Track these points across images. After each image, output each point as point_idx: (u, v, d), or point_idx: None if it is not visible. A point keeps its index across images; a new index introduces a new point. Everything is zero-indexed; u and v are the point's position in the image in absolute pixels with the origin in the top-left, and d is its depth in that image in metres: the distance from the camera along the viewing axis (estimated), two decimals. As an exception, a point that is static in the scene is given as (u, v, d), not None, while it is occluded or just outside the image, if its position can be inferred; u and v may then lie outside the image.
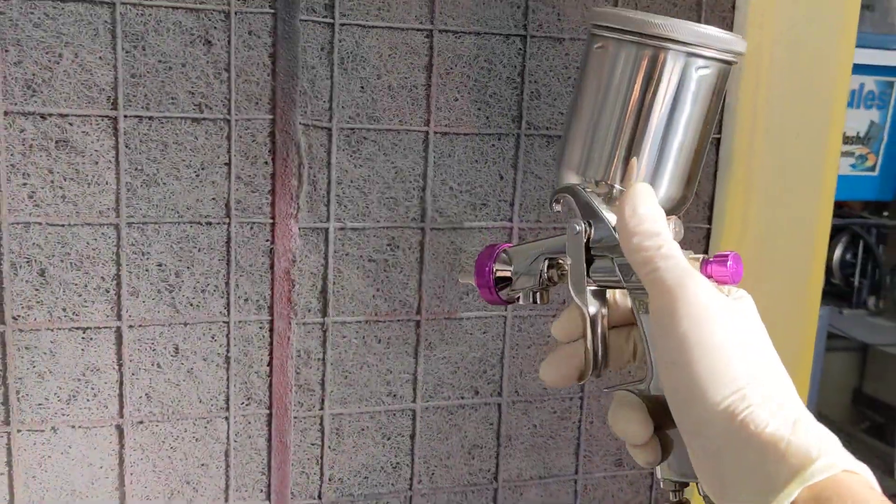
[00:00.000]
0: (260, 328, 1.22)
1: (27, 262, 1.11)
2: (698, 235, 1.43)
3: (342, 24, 1.17)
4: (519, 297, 0.69)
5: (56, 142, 1.10)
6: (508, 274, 0.69)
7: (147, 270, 1.16)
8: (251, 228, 1.19)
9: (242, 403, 1.24)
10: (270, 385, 1.24)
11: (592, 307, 0.62)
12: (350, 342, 1.27)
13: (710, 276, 0.55)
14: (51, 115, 1.08)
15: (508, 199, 1.30)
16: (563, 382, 0.64)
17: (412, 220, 1.26)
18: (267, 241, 1.20)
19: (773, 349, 0.53)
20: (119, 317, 1.16)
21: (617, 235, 0.57)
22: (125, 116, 1.11)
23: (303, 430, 1.28)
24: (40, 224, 1.11)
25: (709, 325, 0.50)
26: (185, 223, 1.16)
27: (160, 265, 1.16)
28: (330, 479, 1.30)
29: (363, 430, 1.31)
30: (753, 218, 1.44)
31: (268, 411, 1.25)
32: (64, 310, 1.14)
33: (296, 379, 1.25)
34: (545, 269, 0.65)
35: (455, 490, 1.37)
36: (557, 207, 0.63)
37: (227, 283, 1.19)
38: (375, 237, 1.25)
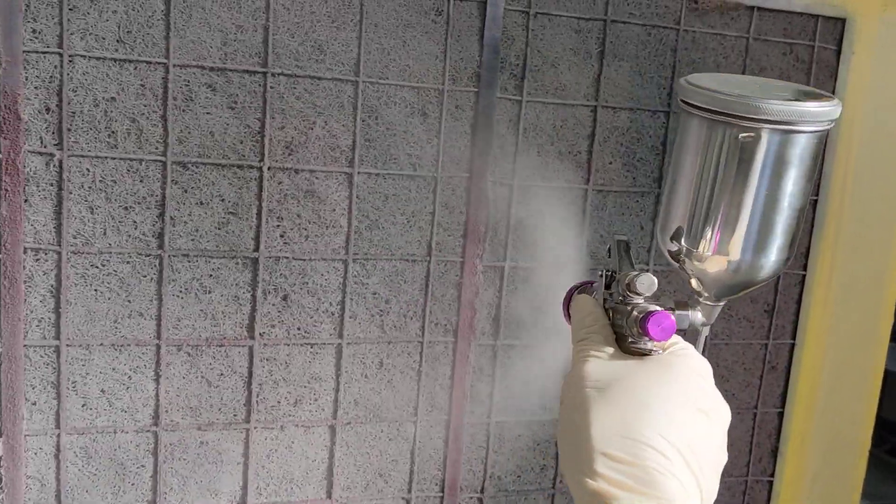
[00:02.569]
0: (445, 348, 1.47)
1: (274, 289, 1.36)
2: (794, 280, 1.68)
3: (528, 101, 1.43)
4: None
5: (305, 192, 1.35)
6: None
7: (364, 298, 1.41)
8: (445, 265, 1.44)
9: (427, 410, 1.48)
10: (450, 395, 1.49)
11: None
12: (514, 362, 1.52)
13: (641, 332, 0.56)
14: (303, 170, 1.34)
15: (647, 247, 1.56)
16: None
17: (569, 262, 1.51)
18: (457, 276, 1.45)
19: (665, 407, 0.53)
20: (340, 335, 1.40)
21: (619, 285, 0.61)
22: (358, 173, 1.36)
23: (472, 435, 1.52)
24: (287, 258, 1.35)
25: (595, 391, 0.54)
26: (396, 260, 1.41)
27: (375, 294, 1.41)
28: (490, 477, 1.55)
29: (519, 436, 1.55)
30: (839, 267, 1.70)
31: (446, 417, 1.49)
32: (299, 328, 1.38)
33: (470, 391, 1.50)
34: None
35: (589, 490, 1.61)
36: (610, 256, 0.65)
37: (423, 310, 1.44)
38: (539, 275, 1.50)
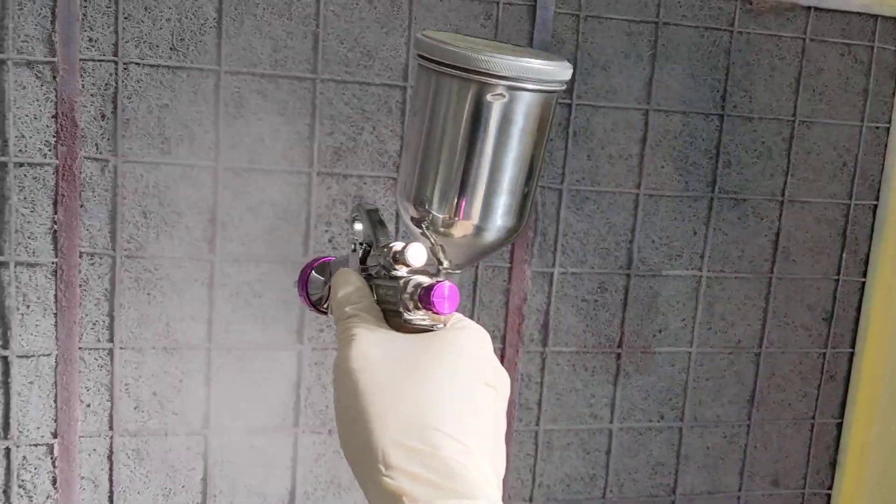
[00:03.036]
0: (493, 354, 1.46)
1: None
2: (853, 287, 1.63)
3: (578, 105, 1.42)
4: (328, 309, 0.65)
5: (353, 197, 1.35)
6: (320, 284, 0.67)
7: (412, 303, 1.40)
8: (493, 271, 1.43)
9: (475, 417, 1.47)
10: (498, 402, 1.47)
11: None
12: (563, 369, 1.50)
13: (422, 307, 0.52)
14: (351, 175, 1.34)
15: (700, 252, 1.52)
16: None
17: (619, 268, 1.49)
18: (504, 281, 1.44)
19: (451, 385, 0.49)
20: (388, 341, 1.40)
21: (379, 259, 0.57)
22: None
23: (521, 443, 1.51)
24: (335, 263, 1.36)
25: (365, 373, 0.49)
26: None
27: (422, 299, 1.41)
28: (539, 485, 1.53)
29: (569, 444, 1.53)
30: (902, 273, 1.64)
31: (494, 425, 1.48)
32: (346, 333, 1.38)
33: (518, 398, 1.48)
34: None
35: (639, 501, 1.58)
36: (357, 226, 0.60)
37: (471, 315, 1.43)
38: (589, 281, 1.48)
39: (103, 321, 1.29)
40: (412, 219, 0.57)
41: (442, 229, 0.56)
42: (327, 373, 1.39)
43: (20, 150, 1.22)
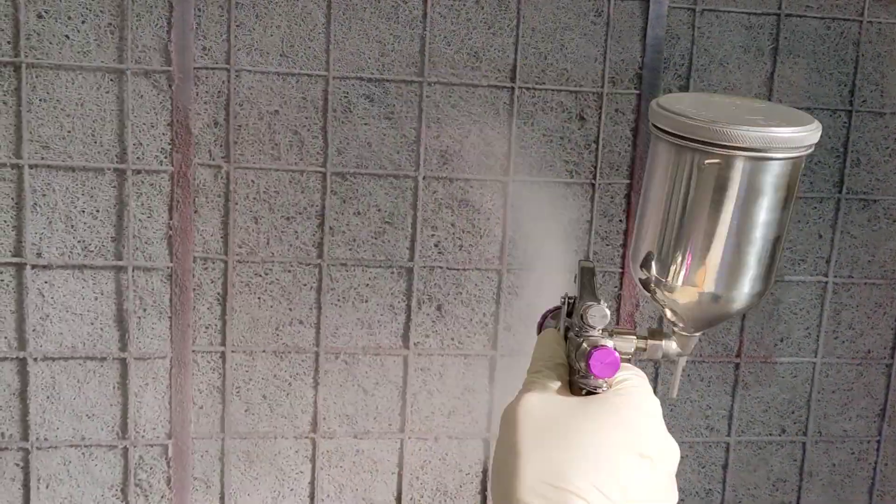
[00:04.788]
0: (603, 362, 1.41)
1: (429, 298, 1.35)
2: None
3: (693, 103, 1.35)
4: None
5: (459, 201, 1.33)
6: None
7: (519, 309, 1.37)
8: (603, 276, 1.39)
9: (584, 427, 1.43)
10: (609, 412, 1.42)
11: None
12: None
13: (587, 368, 0.53)
14: (457, 179, 1.32)
15: (825, 257, 1.43)
16: None
17: (738, 273, 1.42)
18: (616, 287, 1.39)
19: (601, 450, 0.49)
20: (494, 346, 1.37)
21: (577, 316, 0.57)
22: (513, 181, 1.33)
23: (632, 454, 1.45)
24: (442, 268, 1.34)
25: (510, 424, 0.50)
26: (552, 270, 1.37)
27: (529, 305, 1.37)
28: (651, 500, 1.47)
29: (684, 457, 1.46)
30: None
31: (604, 435, 1.43)
32: (452, 339, 1.36)
33: (629, 408, 1.43)
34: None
35: (759, 518, 1.50)
36: (576, 282, 0.61)
37: (580, 323, 1.39)
38: (705, 287, 1.42)
39: (216, 325, 1.31)
40: (640, 281, 0.60)
41: (667, 294, 0.57)
42: (433, 379, 1.38)
43: (138, 158, 1.25)
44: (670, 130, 0.53)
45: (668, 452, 0.51)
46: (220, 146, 1.27)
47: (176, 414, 1.31)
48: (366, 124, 1.29)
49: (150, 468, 1.33)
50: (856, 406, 1.49)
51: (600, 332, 0.54)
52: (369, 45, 1.28)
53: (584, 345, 0.53)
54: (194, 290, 1.29)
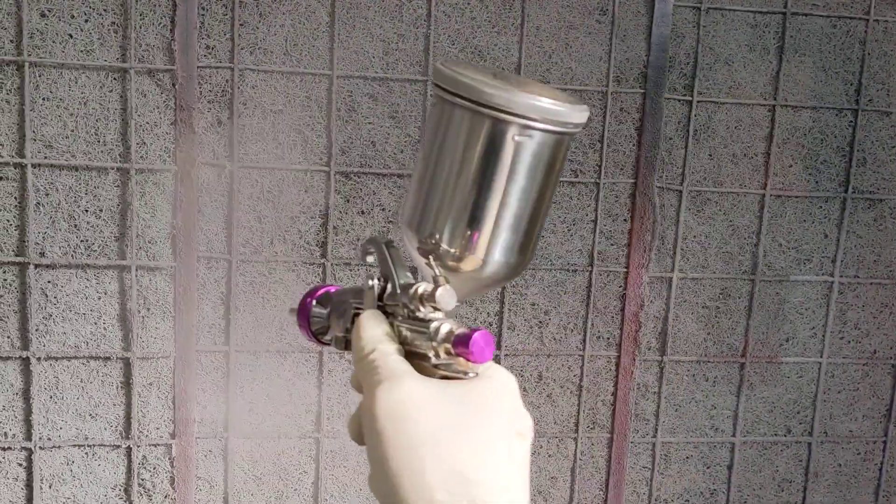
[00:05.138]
0: (608, 362, 1.41)
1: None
2: None
3: (698, 102, 1.35)
4: (332, 341, 0.64)
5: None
6: (322, 316, 0.64)
7: (523, 309, 1.37)
8: (608, 276, 1.38)
9: (588, 427, 1.42)
10: (613, 412, 1.42)
11: None
12: (682, 379, 1.43)
13: (456, 354, 0.51)
14: (462, 178, 1.31)
15: (831, 256, 1.43)
16: (360, 440, 0.56)
17: (744, 273, 1.41)
18: (620, 287, 1.39)
19: (493, 439, 0.49)
20: (498, 346, 1.37)
21: (400, 298, 0.56)
22: (518, 180, 1.32)
23: (636, 454, 1.45)
24: (446, 267, 1.33)
25: (403, 423, 0.48)
26: (556, 270, 1.36)
27: (534, 304, 1.37)
28: (656, 500, 1.46)
29: (688, 458, 1.46)
30: None
31: (609, 435, 1.43)
32: (457, 339, 1.36)
33: (634, 408, 1.42)
34: (350, 318, 0.60)
35: (764, 519, 1.50)
36: (370, 258, 0.59)
37: (584, 322, 1.39)
38: (710, 286, 1.41)
39: (219, 324, 1.31)
40: (418, 249, 0.56)
41: (450, 263, 0.55)
42: (438, 379, 1.37)
43: (141, 157, 1.25)
44: (449, 88, 0.54)
45: (531, 425, 0.51)
46: (224, 145, 1.26)
47: (180, 414, 1.31)
48: (370, 123, 1.29)
49: (154, 468, 1.33)
50: (861, 406, 1.49)
51: (443, 314, 0.53)
52: (373, 44, 1.27)
53: (443, 330, 0.51)
54: (198, 289, 1.29)
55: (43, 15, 1.20)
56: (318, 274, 1.31)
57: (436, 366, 0.51)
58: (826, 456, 1.50)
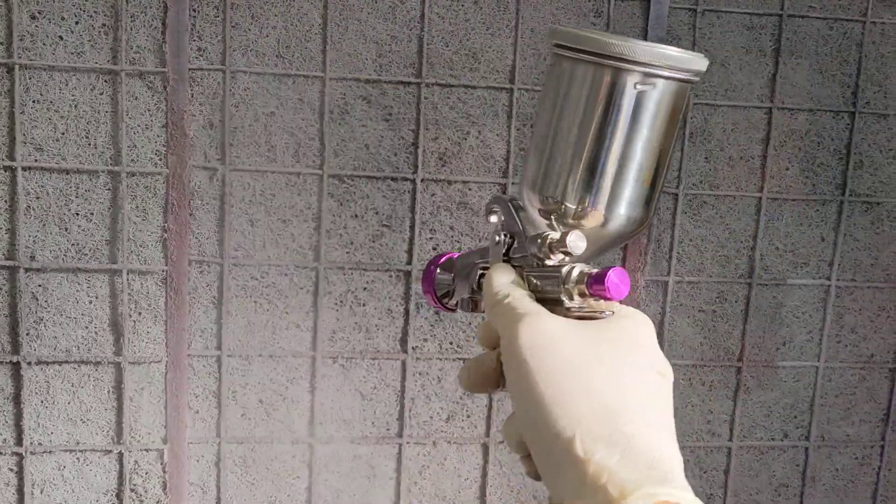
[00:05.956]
0: (603, 366, 1.40)
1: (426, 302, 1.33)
2: None
3: (695, 104, 1.34)
4: (458, 305, 0.65)
5: (458, 204, 1.31)
6: (449, 281, 0.65)
7: (518, 313, 1.36)
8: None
9: (584, 432, 1.41)
10: (609, 417, 1.41)
11: None
12: (678, 383, 1.42)
13: (591, 294, 0.52)
14: (456, 181, 1.31)
15: (828, 260, 1.42)
16: (476, 388, 0.58)
17: (740, 276, 1.40)
18: (616, 290, 1.37)
19: (633, 373, 0.49)
20: (494, 351, 1.36)
21: (529, 249, 0.56)
22: (513, 183, 1.31)
23: (632, 459, 1.43)
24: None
25: (547, 352, 0.48)
26: (552, 273, 1.35)
27: (529, 309, 1.36)
28: (652, 505, 1.45)
29: (685, 462, 1.45)
30: None
31: (604, 440, 1.42)
32: (451, 343, 1.35)
33: (630, 413, 1.41)
34: (477, 279, 0.61)
35: (761, 524, 1.49)
36: (493, 218, 0.60)
37: (580, 326, 1.38)
38: (707, 290, 1.40)
39: (211, 328, 1.30)
40: (540, 210, 0.57)
41: (571, 220, 0.56)
42: (431, 383, 1.36)
43: (132, 160, 1.24)
44: (570, 45, 0.55)
45: (671, 369, 0.52)
46: (216, 148, 1.26)
47: (171, 418, 1.30)
48: (363, 126, 1.28)
49: (146, 473, 1.32)
50: (859, 410, 1.48)
51: (571, 260, 0.53)
52: (366, 46, 1.26)
53: (577, 272, 0.52)
54: (190, 293, 1.28)
55: (33, 17, 1.19)
56: (312, 278, 1.30)
57: (569, 309, 0.52)
58: (823, 460, 1.49)
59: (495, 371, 0.55)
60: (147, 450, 1.31)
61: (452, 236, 1.32)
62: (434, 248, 1.32)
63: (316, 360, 1.32)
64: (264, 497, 1.35)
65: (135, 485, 1.32)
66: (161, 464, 1.31)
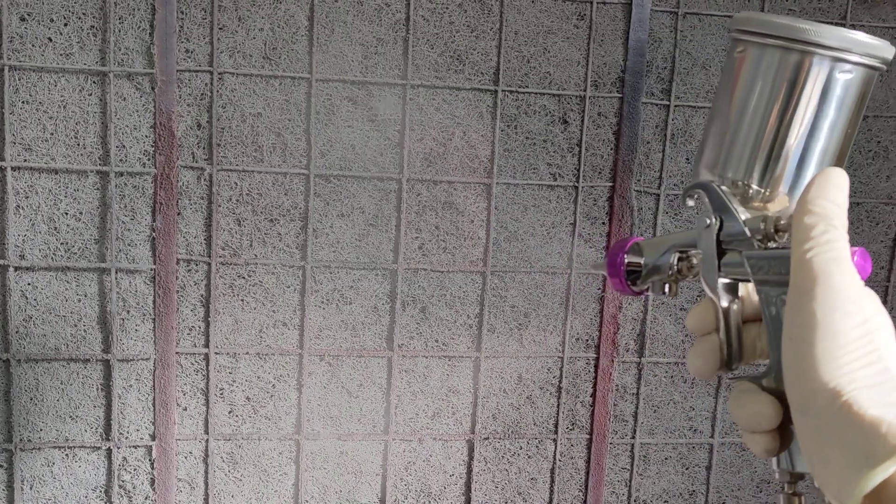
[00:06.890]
0: (587, 364, 1.42)
1: (412, 300, 1.35)
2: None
3: (676, 106, 1.36)
4: (649, 288, 0.66)
5: (443, 203, 1.33)
6: (639, 265, 0.65)
7: (503, 311, 1.38)
8: (587, 278, 1.39)
9: (567, 428, 1.43)
10: (592, 414, 1.43)
11: (724, 300, 0.59)
12: (660, 380, 1.45)
13: None
14: (441, 181, 1.32)
15: (808, 259, 1.44)
16: (707, 373, 0.60)
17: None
18: (599, 289, 1.40)
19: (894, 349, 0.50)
20: (478, 348, 1.38)
21: (747, 231, 0.56)
22: (497, 183, 1.33)
23: (615, 456, 1.46)
24: (426, 270, 1.34)
25: (839, 310, 0.49)
26: (535, 272, 1.37)
27: (513, 307, 1.38)
28: (635, 500, 1.48)
29: (667, 459, 1.47)
30: None
31: (588, 437, 1.44)
32: (437, 341, 1.37)
33: (613, 410, 1.44)
34: (675, 262, 0.62)
35: (742, 519, 1.51)
36: (690, 203, 0.60)
37: (563, 324, 1.40)
38: (688, 288, 1.42)
39: (199, 326, 1.31)
40: (726, 190, 0.58)
41: (757, 204, 0.57)
42: (417, 380, 1.38)
43: (121, 160, 1.25)
44: (756, 30, 0.56)
45: None
46: (203, 148, 1.27)
47: (160, 415, 1.31)
48: (349, 127, 1.30)
49: (134, 469, 1.33)
50: (839, 408, 1.50)
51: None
52: (352, 48, 1.28)
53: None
54: (178, 292, 1.30)
55: (22, 19, 1.21)
56: (299, 277, 1.32)
57: None
58: (804, 457, 1.51)
59: (719, 353, 0.59)
60: (135, 446, 1.32)
61: (438, 235, 1.34)
62: (420, 247, 1.34)
63: (303, 358, 1.34)
64: (252, 493, 1.37)
65: (123, 481, 1.33)
66: (149, 460, 1.33)
